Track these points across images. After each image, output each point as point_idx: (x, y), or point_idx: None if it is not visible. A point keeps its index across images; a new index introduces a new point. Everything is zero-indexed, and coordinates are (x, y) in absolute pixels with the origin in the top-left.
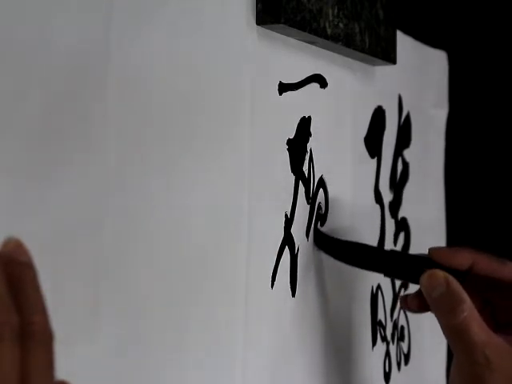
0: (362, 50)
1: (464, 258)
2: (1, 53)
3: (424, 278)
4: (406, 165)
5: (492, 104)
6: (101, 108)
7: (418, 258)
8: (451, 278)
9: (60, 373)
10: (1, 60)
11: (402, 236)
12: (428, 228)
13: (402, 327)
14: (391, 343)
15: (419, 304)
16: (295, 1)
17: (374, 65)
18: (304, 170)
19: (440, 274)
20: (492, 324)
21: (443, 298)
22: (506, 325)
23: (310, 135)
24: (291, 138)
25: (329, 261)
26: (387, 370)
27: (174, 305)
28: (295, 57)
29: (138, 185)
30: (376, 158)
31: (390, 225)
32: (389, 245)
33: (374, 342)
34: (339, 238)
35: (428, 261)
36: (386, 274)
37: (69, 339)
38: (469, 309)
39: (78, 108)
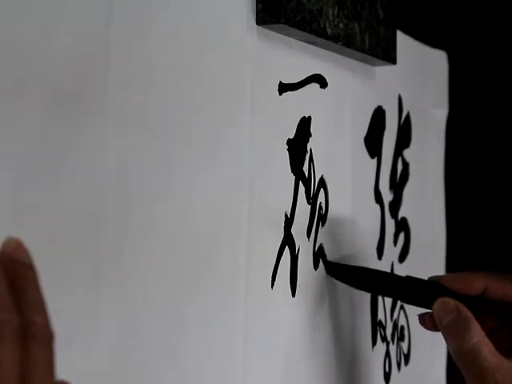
0: (362, 50)
1: (476, 283)
2: (1, 53)
3: (436, 305)
4: (406, 165)
5: (492, 104)
6: (101, 108)
7: (431, 284)
8: (462, 306)
9: (60, 373)
10: (1, 60)
11: (402, 236)
12: (428, 228)
13: (402, 327)
14: (391, 343)
15: (434, 324)
16: (295, 1)
17: (373, 65)
18: (304, 170)
19: (451, 301)
20: (507, 346)
21: (453, 324)
22: None
23: (310, 135)
24: (291, 138)
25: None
26: (387, 370)
27: (174, 305)
28: (295, 57)
29: (138, 185)
30: (376, 158)
31: (390, 225)
32: (389, 245)
33: (374, 342)
34: (351, 264)
35: (440, 287)
36: (400, 300)
37: (69, 339)
38: (479, 335)
39: (78, 108)
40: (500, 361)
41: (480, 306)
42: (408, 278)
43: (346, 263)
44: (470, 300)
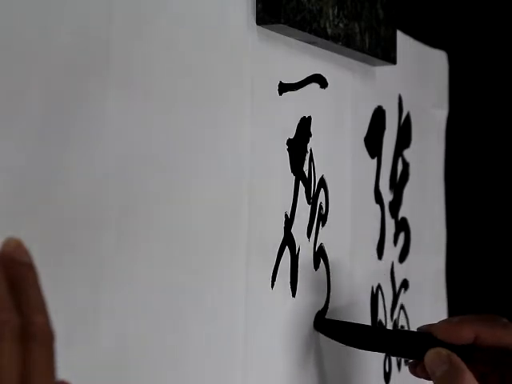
0: (362, 50)
1: (466, 332)
2: (1, 53)
3: (428, 356)
4: (406, 165)
5: (492, 104)
6: (101, 108)
7: (421, 335)
8: (454, 356)
9: (60, 373)
10: (1, 60)
11: (402, 236)
12: (428, 228)
13: (402, 327)
14: None
15: (427, 373)
16: (295, 1)
17: (374, 65)
18: (304, 170)
19: (443, 351)
20: None
21: (446, 375)
22: None
23: (310, 135)
24: (291, 138)
25: (329, 262)
26: (387, 370)
27: (173, 305)
28: (295, 57)
29: (138, 185)
30: (376, 158)
31: (390, 225)
32: (389, 245)
33: None
34: (342, 320)
35: (431, 338)
36: (391, 354)
37: (69, 339)
38: None
39: (78, 108)
40: None
41: (471, 355)
42: (397, 331)
43: (338, 319)
44: (462, 348)
